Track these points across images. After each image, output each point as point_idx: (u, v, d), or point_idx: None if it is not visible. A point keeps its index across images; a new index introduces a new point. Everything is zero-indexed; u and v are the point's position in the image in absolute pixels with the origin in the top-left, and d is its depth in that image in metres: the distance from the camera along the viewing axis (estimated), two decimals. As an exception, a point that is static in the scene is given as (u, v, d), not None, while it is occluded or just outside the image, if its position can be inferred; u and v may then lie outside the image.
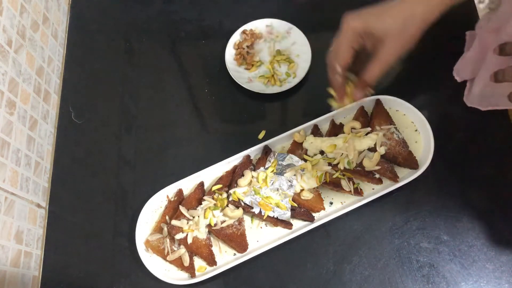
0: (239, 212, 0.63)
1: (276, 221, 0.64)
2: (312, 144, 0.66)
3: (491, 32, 0.60)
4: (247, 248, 0.64)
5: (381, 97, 0.70)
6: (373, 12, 0.51)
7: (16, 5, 0.68)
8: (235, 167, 0.68)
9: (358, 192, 0.65)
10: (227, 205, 0.64)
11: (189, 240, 0.62)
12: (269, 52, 0.79)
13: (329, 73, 0.57)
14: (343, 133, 0.67)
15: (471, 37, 0.70)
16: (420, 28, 0.51)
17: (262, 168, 0.65)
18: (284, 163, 0.65)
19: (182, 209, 0.64)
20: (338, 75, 0.55)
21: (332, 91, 0.60)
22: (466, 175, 0.67)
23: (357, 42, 0.52)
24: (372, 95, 0.68)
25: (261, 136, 0.72)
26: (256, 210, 0.63)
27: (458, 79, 0.67)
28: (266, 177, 0.64)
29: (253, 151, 0.69)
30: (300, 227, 0.64)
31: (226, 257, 0.64)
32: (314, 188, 0.65)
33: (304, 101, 0.75)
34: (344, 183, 0.65)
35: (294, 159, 0.66)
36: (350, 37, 0.51)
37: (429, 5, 0.51)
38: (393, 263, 0.63)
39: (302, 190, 0.65)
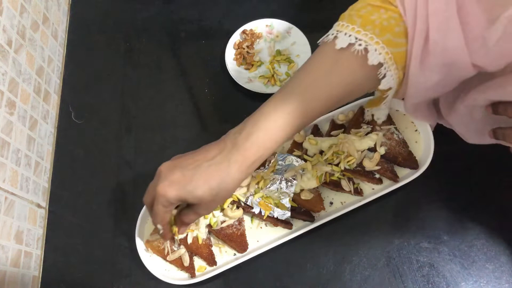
0: (239, 212, 0.63)
1: (276, 221, 0.64)
2: (312, 144, 0.66)
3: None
4: (247, 248, 0.64)
5: (381, 97, 0.70)
6: (183, 180, 0.48)
7: (16, 5, 0.68)
8: (235, 167, 0.68)
9: (358, 192, 0.65)
10: (227, 205, 0.64)
11: (189, 240, 0.62)
12: (269, 52, 0.79)
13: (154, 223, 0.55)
14: (343, 132, 0.68)
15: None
16: (229, 193, 0.50)
17: (262, 168, 0.65)
18: (284, 163, 0.65)
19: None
20: (161, 230, 0.55)
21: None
22: (466, 175, 0.67)
23: (172, 206, 0.51)
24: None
25: None
26: (256, 210, 0.63)
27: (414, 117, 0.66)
28: (266, 177, 0.64)
29: (253, 151, 0.69)
30: (300, 227, 0.64)
31: (226, 257, 0.64)
32: (314, 188, 0.65)
33: (304, 101, 0.75)
34: (344, 183, 0.65)
35: (294, 159, 0.66)
36: (166, 205, 0.50)
37: (243, 168, 0.49)
38: (393, 263, 0.63)
39: (302, 190, 0.65)
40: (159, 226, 0.54)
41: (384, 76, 0.49)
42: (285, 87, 0.51)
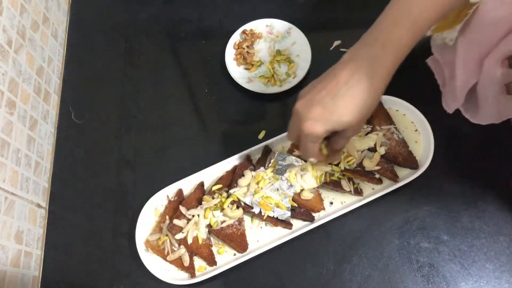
0: (239, 212, 0.63)
1: (276, 221, 0.64)
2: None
3: (472, 45, 0.58)
4: (247, 248, 0.64)
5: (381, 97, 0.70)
6: (326, 113, 0.49)
7: (16, 5, 0.68)
8: (235, 167, 0.68)
9: (358, 192, 0.65)
10: (227, 205, 0.64)
11: (189, 240, 0.62)
12: (269, 52, 0.79)
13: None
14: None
15: (436, 65, 0.68)
16: (375, 105, 0.51)
17: (262, 168, 0.65)
18: (284, 163, 0.65)
19: (182, 209, 0.64)
20: (315, 162, 0.58)
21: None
22: (466, 175, 0.67)
23: (321, 139, 0.52)
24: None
25: (261, 136, 0.72)
26: (256, 210, 0.63)
27: (449, 110, 0.65)
28: (266, 177, 0.64)
29: (253, 151, 0.69)
30: (300, 227, 0.64)
31: (226, 257, 0.64)
32: (314, 188, 0.65)
33: (304, 101, 0.75)
34: (344, 183, 0.65)
35: (294, 159, 0.66)
36: (315, 141, 0.52)
37: (384, 73, 0.50)
38: (393, 263, 0.63)
39: (302, 190, 0.65)
40: (311, 160, 0.56)
41: None
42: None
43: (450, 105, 0.64)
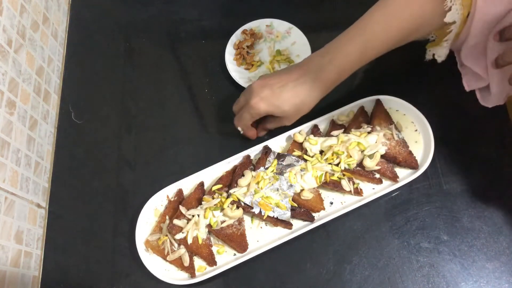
0: (239, 212, 0.63)
1: (276, 221, 0.64)
2: (312, 144, 0.66)
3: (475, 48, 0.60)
4: (247, 248, 0.64)
5: (381, 97, 0.70)
6: (273, 97, 0.60)
7: (16, 5, 0.68)
8: (235, 167, 0.68)
9: (358, 192, 0.65)
10: (227, 205, 0.64)
11: (189, 240, 0.62)
12: (269, 52, 0.79)
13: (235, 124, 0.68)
14: (343, 132, 0.68)
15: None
16: (311, 106, 0.62)
17: (262, 168, 0.65)
18: (284, 163, 0.65)
19: (182, 209, 0.64)
20: (241, 131, 0.68)
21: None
22: (466, 175, 0.67)
23: (258, 117, 0.63)
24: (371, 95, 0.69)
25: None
26: (256, 210, 0.63)
27: (468, 89, 0.67)
28: (266, 177, 0.64)
29: (253, 151, 0.69)
30: (300, 227, 0.64)
31: (226, 257, 0.64)
32: (314, 188, 0.65)
33: (304, 101, 0.75)
34: (344, 183, 0.65)
35: (294, 159, 0.66)
36: (253, 116, 0.63)
37: (325, 83, 0.59)
38: (393, 263, 0.63)
39: (302, 190, 0.65)
40: (239, 129, 0.67)
41: (449, 9, 0.53)
42: (364, 19, 0.58)
43: (471, 85, 0.66)
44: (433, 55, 0.67)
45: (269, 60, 0.78)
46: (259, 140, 0.70)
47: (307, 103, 0.61)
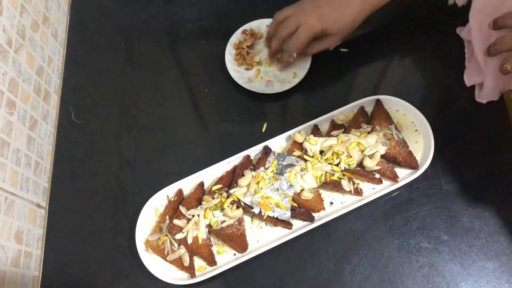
0: (239, 212, 0.63)
1: (276, 221, 0.64)
2: (312, 144, 0.66)
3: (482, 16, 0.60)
4: (247, 248, 0.64)
5: (381, 97, 0.70)
6: (331, 15, 0.65)
7: (16, 5, 0.68)
8: (235, 167, 0.68)
9: (358, 192, 0.65)
10: (227, 205, 0.64)
11: (189, 240, 0.62)
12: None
13: (286, 55, 0.72)
14: (343, 132, 0.68)
15: (469, 43, 0.70)
16: (360, 22, 0.67)
17: (262, 168, 0.65)
18: (284, 163, 0.65)
19: (182, 209, 0.64)
20: (294, 58, 0.70)
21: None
22: (466, 175, 0.67)
23: (314, 36, 0.67)
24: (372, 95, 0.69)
25: (264, 129, 0.73)
26: (256, 210, 0.63)
27: (468, 84, 0.68)
28: (266, 177, 0.64)
29: (253, 151, 0.69)
30: (300, 227, 0.64)
31: (226, 257, 0.64)
32: (314, 188, 0.65)
33: (304, 101, 0.75)
34: (344, 183, 0.65)
35: (294, 159, 0.66)
36: (311, 35, 0.66)
37: (368, 5, 0.66)
38: (393, 263, 0.63)
39: (302, 190, 0.65)
40: (294, 54, 0.69)
41: None
42: None
43: (471, 79, 0.68)
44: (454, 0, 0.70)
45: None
46: (259, 140, 0.70)
47: (356, 22, 0.66)
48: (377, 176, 0.66)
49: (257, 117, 0.75)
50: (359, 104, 0.70)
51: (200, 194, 0.66)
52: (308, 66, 0.74)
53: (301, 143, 0.68)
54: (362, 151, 0.65)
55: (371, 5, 0.66)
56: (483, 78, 0.64)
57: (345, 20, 0.65)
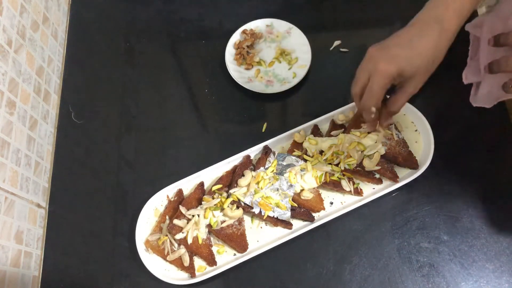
0: (239, 212, 0.63)
1: (276, 221, 0.64)
2: (312, 144, 0.66)
3: (496, 19, 0.60)
4: (247, 248, 0.64)
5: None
6: (402, 53, 0.53)
7: (16, 5, 0.68)
8: (235, 167, 0.68)
9: (358, 192, 0.65)
10: (227, 205, 0.64)
11: (189, 240, 0.62)
12: (270, 51, 0.79)
13: (364, 114, 0.59)
14: (343, 132, 0.68)
15: (474, 41, 0.69)
16: (439, 61, 0.55)
17: (262, 168, 0.65)
18: (284, 163, 0.65)
19: (182, 209, 0.64)
20: (373, 113, 0.58)
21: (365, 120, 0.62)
22: (466, 175, 0.67)
23: (390, 83, 0.55)
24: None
25: (263, 129, 0.72)
26: (256, 210, 0.63)
27: (465, 81, 0.67)
28: (266, 177, 0.64)
29: (253, 151, 0.69)
30: (300, 227, 0.64)
31: (226, 257, 0.64)
32: (314, 188, 0.65)
33: (304, 101, 0.75)
34: (344, 183, 0.65)
35: (294, 159, 0.66)
36: (386, 82, 0.54)
37: (449, 31, 0.54)
38: (393, 263, 0.63)
39: (302, 190, 0.65)
40: (373, 109, 0.57)
41: None
42: None
43: (469, 78, 0.66)
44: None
45: (274, 57, 0.78)
46: (259, 140, 0.70)
47: (438, 54, 0.54)
48: (377, 176, 0.66)
49: (257, 117, 0.75)
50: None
51: (200, 194, 0.66)
52: (308, 66, 0.75)
53: (301, 143, 0.68)
54: (362, 151, 0.65)
55: (452, 31, 0.55)
56: (481, 79, 0.64)
57: (422, 55, 0.53)
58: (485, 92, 0.64)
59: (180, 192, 0.68)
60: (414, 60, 0.53)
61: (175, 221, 0.63)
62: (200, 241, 0.63)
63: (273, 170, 0.65)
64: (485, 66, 0.53)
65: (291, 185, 0.64)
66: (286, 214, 0.63)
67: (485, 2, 0.66)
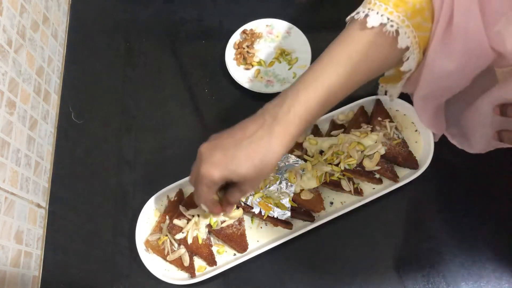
0: (239, 212, 0.63)
1: (276, 221, 0.64)
2: (312, 144, 0.66)
3: (427, 100, 0.59)
4: (247, 248, 0.64)
5: (381, 97, 0.70)
6: (225, 160, 0.49)
7: (16, 5, 0.68)
8: (235, 167, 0.68)
9: (358, 192, 0.65)
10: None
11: (189, 240, 0.62)
12: (270, 52, 0.79)
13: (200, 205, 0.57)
14: (343, 132, 0.68)
15: None
16: (273, 165, 0.50)
17: (262, 168, 0.65)
18: (284, 163, 0.65)
19: (182, 209, 0.64)
20: (208, 208, 0.56)
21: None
22: (466, 175, 0.67)
23: (216, 186, 0.52)
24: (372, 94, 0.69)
25: None
26: (256, 210, 0.63)
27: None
28: (266, 177, 0.64)
29: (253, 151, 0.69)
30: (300, 227, 0.64)
31: (226, 257, 0.64)
32: (314, 188, 0.65)
33: (304, 101, 0.75)
34: (344, 183, 0.65)
35: (294, 159, 0.66)
36: (210, 186, 0.51)
37: (284, 141, 0.49)
38: (393, 263, 0.63)
39: (302, 190, 0.65)
40: (203, 206, 0.55)
41: (407, 59, 0.51)
42: (321, 61, 0.51)
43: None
44: (386, 92, 0.65)
45: (274, 56, 0.78)
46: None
47: (268, 162, 0.49)
48: (377, 176, 0.66)
49: (257, 117, 0.74)
50: (359, 104, 0.70)
51: (200, 194, 0.66)
52: (308, 66, 0.74)
53: (301, 143, 0.68)
54: (362, 151, 0.65)
55: (287, 137, 0.49)
56: (441, 129, 0.64)
57: (248, 164, 0.48)
58: (481, 147, 0.63)
59: (180, 192, 0.68)
60: (238, 170, 0.49)
61: (175, 221, 0.63)
62: (200, 241, 0.63)
63: (273, 170, 0.65)
64: (494, 134, 0.52)
65: (291, 185, 0.64)
66: (286, 214, 0.63)
67: (383, 89, 0.65)
